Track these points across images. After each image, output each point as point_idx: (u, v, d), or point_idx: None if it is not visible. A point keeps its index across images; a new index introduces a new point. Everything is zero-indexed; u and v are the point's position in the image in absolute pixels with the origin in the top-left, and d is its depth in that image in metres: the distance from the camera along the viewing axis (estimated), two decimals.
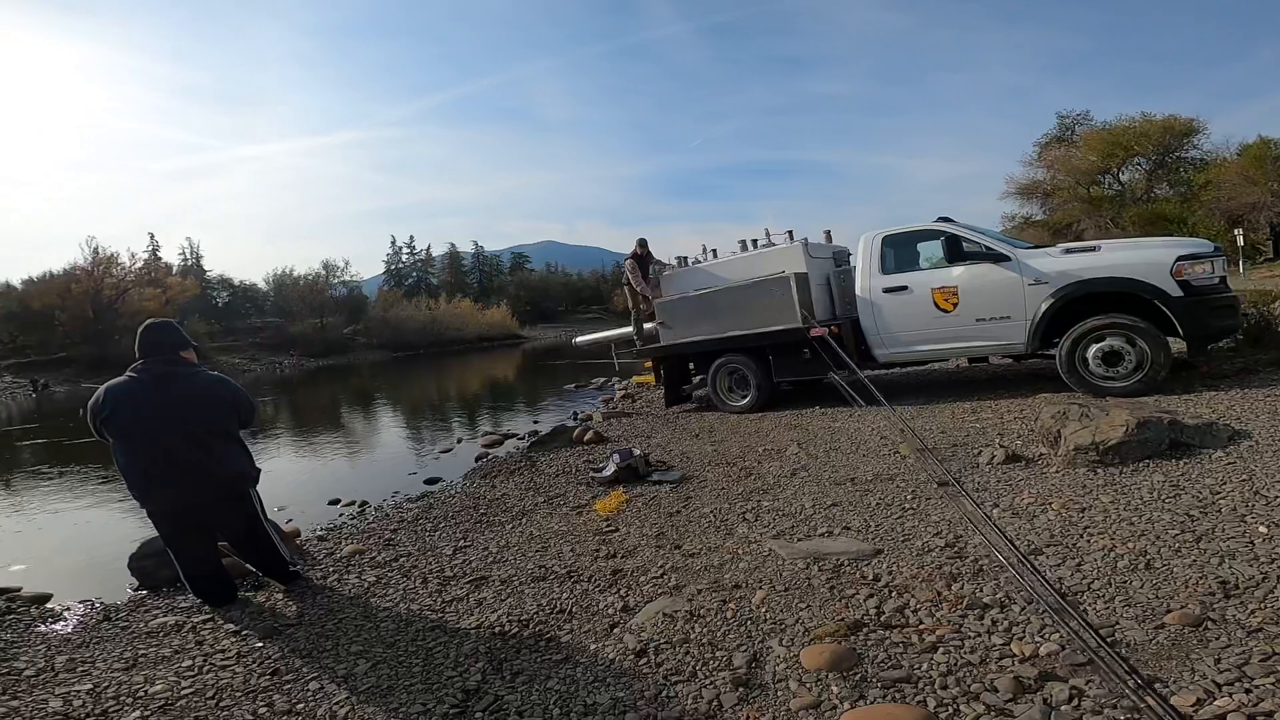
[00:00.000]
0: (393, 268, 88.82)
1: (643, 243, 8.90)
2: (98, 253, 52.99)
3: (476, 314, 71.02)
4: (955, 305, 6.24)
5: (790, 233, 7.70)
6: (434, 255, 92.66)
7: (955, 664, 1.91)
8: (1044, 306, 5.74)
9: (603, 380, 14.08)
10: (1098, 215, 31.25)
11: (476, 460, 7.21)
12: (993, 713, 1.66)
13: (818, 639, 2.14)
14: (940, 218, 6.81)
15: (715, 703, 1.91)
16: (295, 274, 66.89)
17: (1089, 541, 2.65)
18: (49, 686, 2.57)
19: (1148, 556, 2.44)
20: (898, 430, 5.35)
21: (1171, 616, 1.99)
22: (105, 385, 3.15)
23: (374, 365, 43.39)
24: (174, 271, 63.41)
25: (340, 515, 5.38)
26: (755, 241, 8.02)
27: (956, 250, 6.07)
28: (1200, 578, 2.22)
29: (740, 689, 1.95)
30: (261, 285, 69.71)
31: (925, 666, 1.92)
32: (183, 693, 2.41)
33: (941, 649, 2.00)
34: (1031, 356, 6.22)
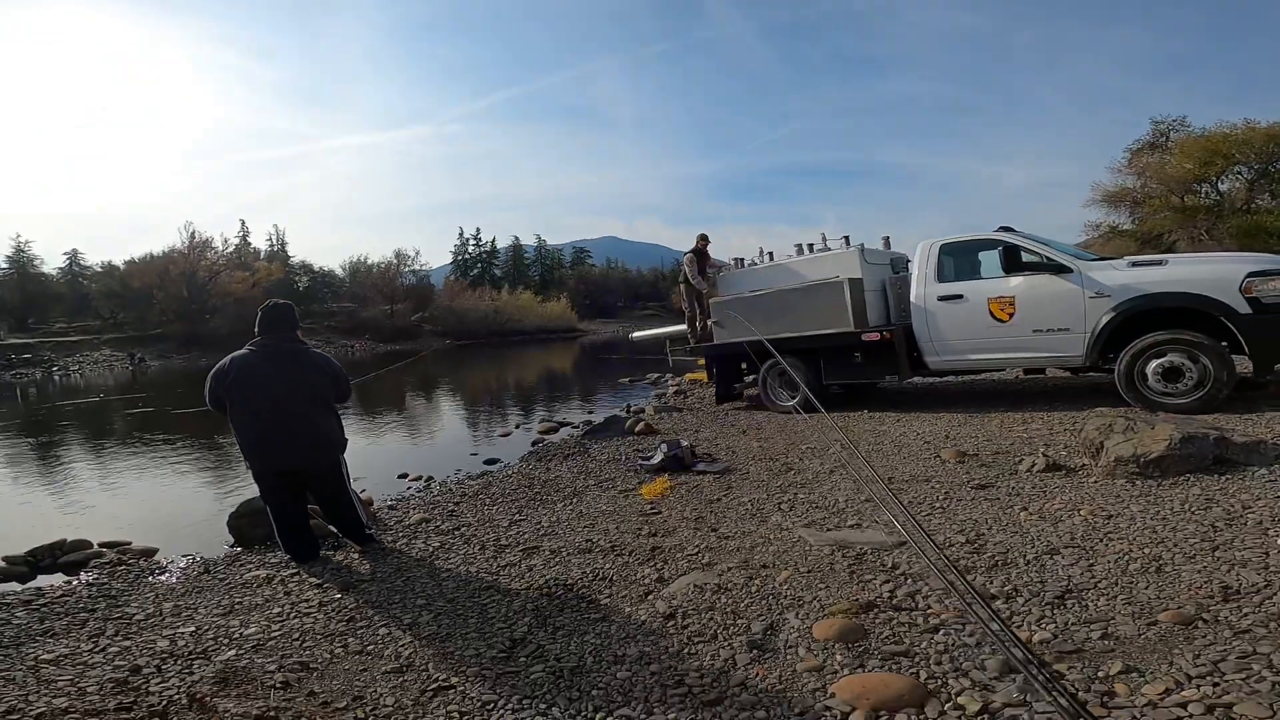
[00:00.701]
0: (459, 258, 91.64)
1: (703, 238, 9.04)
2: (194, 237, 56.95)
3: (537, 306, 72.63)
4: (1012, 315, 6.22)
5: (847, 238, 7.77)
6: (499, 247, 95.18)
7: (952, 644, 2.09)
8: (1105, 320, 5.67)
9: (657, 376, 14.36)
10: (1191, 226, 29.33)
11: (533, 444, 7.63)
12: (977, 687, 1.85)
13: (831, 614, 2.36)
14: (1001, 227, 6.76)
15: (730, 661, 2.16)
16: (369, 261, 70.08)
17: (1106, 545, 2.76)
18: (157, 629, 2.95)
19: (1160, 561, 2.54)
20: (942, 435, 5.43)
21: (1165, 614, 2.11)
22: (230, 356, 3.63)
23: (437, 351, 45.08)
24: (261, 256, 67.46)
25: (409, 488, 5.87)
26: (811, 246, 8.13)
27: (1014, 260, 6.05)
28: (1205, 582, 2.32)
29: (754, 651, 2.20)
30: (338, 271, 73.35)
31: (924, 644, 2.11)
32: (272, 635, 2.79)
33: (943, 631, 2.18)
34: (1090, 370, 6.12)
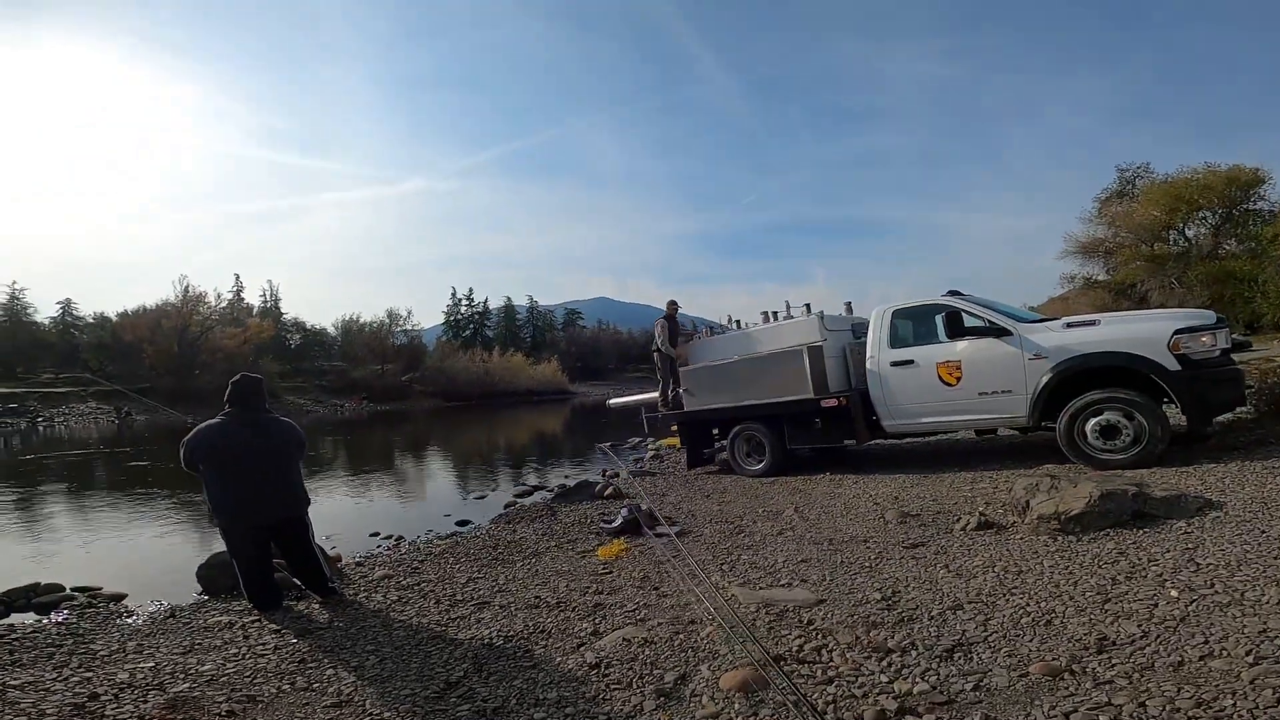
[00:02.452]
0: (452, 319, 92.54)
1: (673, 304, 9.42)
2: (188, 291, 57.45)
3: (528, 368, 72.90)
4: (959, 379, 6.53)
5: (807, 305, 8.17)
6: (491, 308, 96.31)
7: (840, 694, 2.28)
8: (1044, 380, 5.96)
9: (638, 440, 14.55)
10: (1161, 274, 29.60)
11: (505, 507, 7.76)
12: None
13: (739, 666, 2.55)
14: (950, 291, 7.17)
15: (638, 707, 2.34)
16: (361, 320, 70.72)
17: (1007, 600, 2.97)
18: (119, 663, 3.18)
19: (1051, 614, 2.76)
20: (892, 496, 5.65)
21: (1036, 666, 2.31)
22: (204, 425, 3.92)
23: (427, 412, 45.01)
24: (254, 312, 67.94)
25: (378, 546, 6.01)
26: (776, 314, 8.53)
27: (957, 325, 6.39)
28: (1086, 634, 2.53)
29: (660, 698, 2.38)
30: (330, 330, 73.84)
31: (816, 694, 2.30)
32: (226, 671, 2.99)
33: (835, 682, 2.37)
34: (1035, 429, 6.39)
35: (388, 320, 70.15)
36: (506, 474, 12.19)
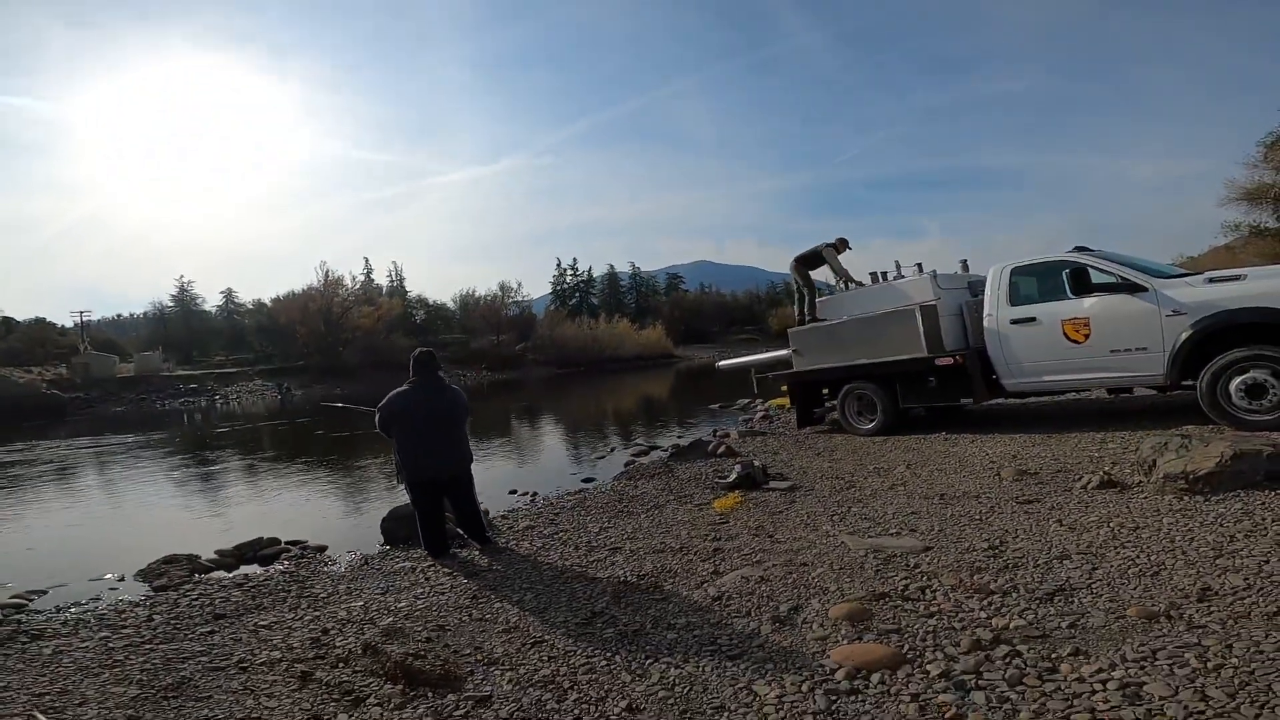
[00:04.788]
0: (558, 288, 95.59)
1: (843, 241, 8.99)
2: (328, 275, 63.25)
3: (633, 333, 74.26)
4: (1087, 336, 6.28)
5: (919, 265, 8.04)
6: (594, 276, 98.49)
7: (939, 627, 2.54)
8: (1183, 337, 5.65)
9: (745, 402, 14.78)
10: None
11: (625, 465, 8.35)
12: (944, 658, 2.30)
13: (846, 600, 2.86)
14: (1077, 247, 6.84)
15: (757, 630, 2.72)
16: (477, 294, 74.82)
17: (1117, 552, 3.06)
18: (337, 603, 3.86)
19: (1160, 566, 2.84)
20: (1010, 455, 5.62)
21: (1133, 610, 2.45)
22: (394, 393, 4.62)
23: (540, 380, 47.26)
24: (383, 292, 73.74)
25: (517, 502, 6.75)
26: (885, 274, 8.44)
27: (1083, 282, 6.13)
28: (1191, 584, 2.61)
29: (776, 624, 2.75)
30: (450, 304, 78.76)
31: (917, 626, 2.57)
32: (417, 607, 3.62)
33: (936, 617, 2.63)
34: (1174, 388, 6.06)
35: (500, 293, 73.73)
36: (621, 436, 12.89)
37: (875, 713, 2.04)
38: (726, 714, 2.13)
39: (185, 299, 75.65)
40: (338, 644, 3.17)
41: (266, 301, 69.14)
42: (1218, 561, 2.81)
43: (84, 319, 63.67)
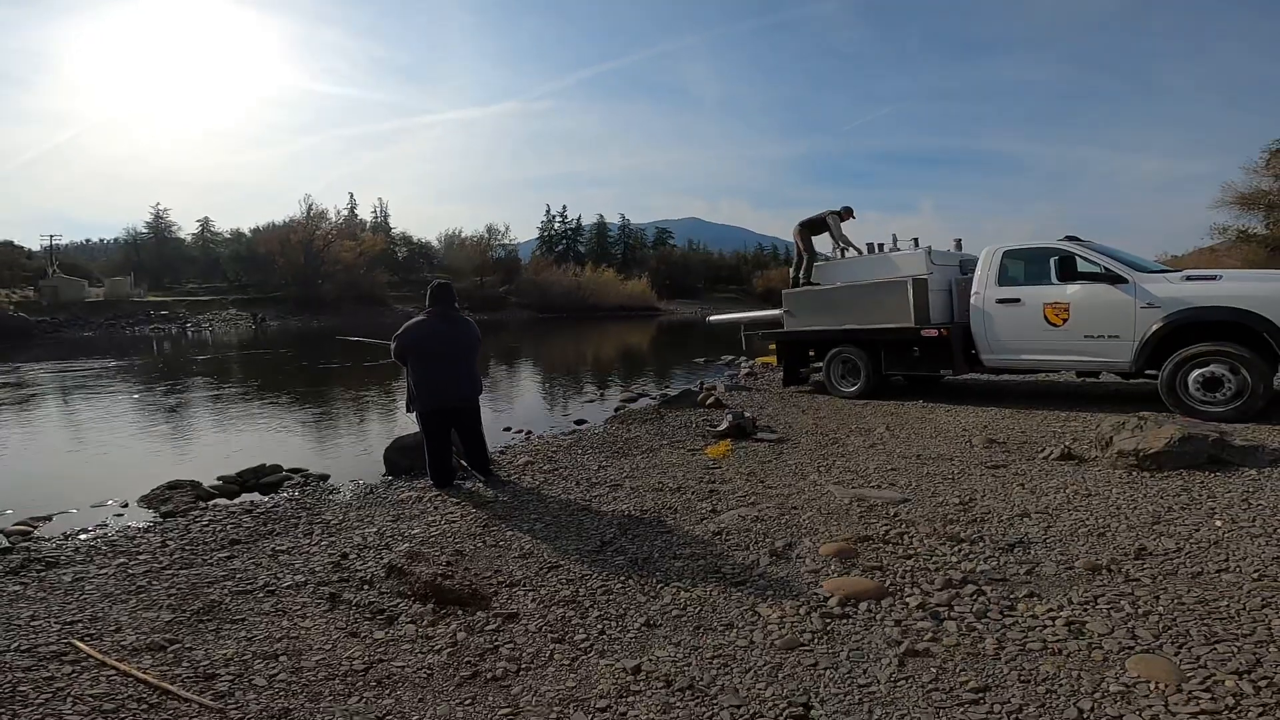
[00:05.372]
0: (545, 234, 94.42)
1: (848, 210, 9.22)
2: (311, 208, 61.78)
3: (618, 284, 74.09)
4: (1065, 320, 6.65)
5: (915, 240, 8.32)
6: (583, 225, 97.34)
7: (915, 569, 2.89)
8: (1153, 328, 6.04)
9: (731, 358, 15.14)
10: None
11: (615, 410, 8.67)
12: (920, 592, 2.66)
13: (835, 540, 3.21)
14: (1067, 236, 7.16)
15: (756, 562, 3.07)
16: (463, 235, 73.70)
17: (1070, 514, 3.45)
18: (350, 530, 4.01)
19: (1105, 529, 3.23)
20: (981, 425, 6.02)
21: (1080, 563, 2.83)
22: (411, 322, 4.79)
23: (522, 323, 47.23)
24: (366, 228, 72.22)
25: (513, 439, 7.03)
26: (881, 245, 8.71)
27: (1070, 269, 6.47)
28: (1130, 545, 3.00)
29: (773, 557, 3.10)
30: (435, 243, 77.53)
31: (897, 565, 2.93)
32: (432, 534, 3.84)
33: (913, 559, 2.99)
34: (1138, 376, 6.49)
35: (487, 235, 72.72)
36: (609, 382, 13.21)
37: (864, 634, 2.38)
38: (735, 630, 2.47)
39: (160, 226, 73.24)
40: (359, 568, 3.33)
41: (246, 231, 67.46)
42: (1154, 528, 3.21)
43: (53, 242, 61.56)
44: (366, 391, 12.11)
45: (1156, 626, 2.29)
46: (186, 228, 75.84)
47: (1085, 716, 1.83)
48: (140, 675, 2.21)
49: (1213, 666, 2.01)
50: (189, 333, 41.75)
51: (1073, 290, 6.58)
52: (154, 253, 70.38)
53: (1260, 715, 1.78)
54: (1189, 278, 6.20)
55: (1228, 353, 5.62)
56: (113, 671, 2.27)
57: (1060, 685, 1.98)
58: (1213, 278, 6.10)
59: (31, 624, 2.72)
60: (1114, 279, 6.36)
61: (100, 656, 2.36)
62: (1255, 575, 2.62)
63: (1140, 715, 1.82)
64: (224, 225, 78.02)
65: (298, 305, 54.96)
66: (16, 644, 2.52)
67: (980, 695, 1.96)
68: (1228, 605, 2.39)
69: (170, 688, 2.14)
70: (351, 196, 77.26)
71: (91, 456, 7.42)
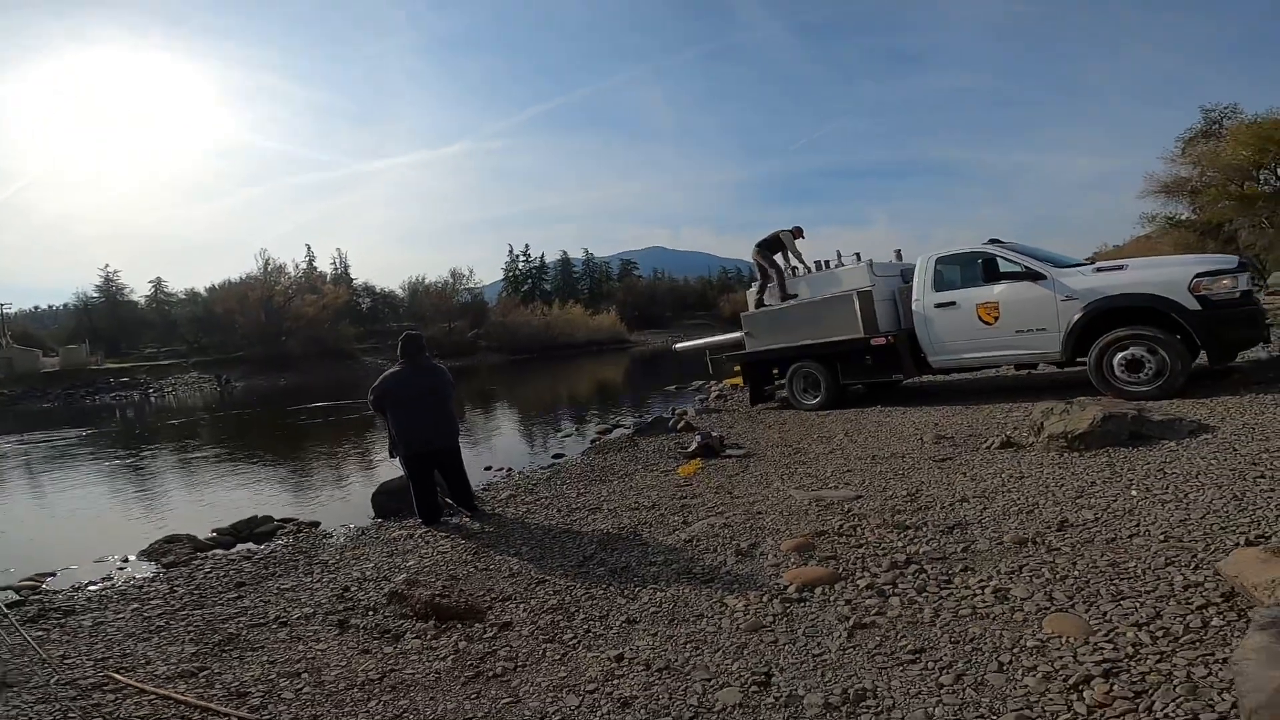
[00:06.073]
0: (510, 274, 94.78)
1: (799, 230, 9.67)
2: (269, 263, 61.21)
3: (587, 319, 74.57)
4: (997, 319, 7.18)
5: (857, 254, 8.84)
6: (548, 262, 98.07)
7: (865, 555, 3.22)
8: (1075, 319, 6.57)
9: (700, 383, 15.53)
10: (1252, 214, 28.82)
11: (591, 442, 8.95)
12: (869, 575, 2.98)
13: (794, 537, 3.54)
14: (990, 240, 7.73)
15: (724, 561, 3.38)
16: (427, 281, 73.67)
17: (1004, 496, 3.83)
18: (347, 567, 4.27)
19: (1034, 506, 3.61)
20: (932, 423, 6.45)
21: (1009, 538, 3.19)
22: (387, 374, 5.09)
23: (493, 366, 47.23)
24: (327, 279, 71.69)
25: (494, 476, 7.26)
26: (828, 263, 9.23)
27: (993, 270, 7.02)
28: (1054, 518, 3.37)
29: (739, 556, 3.41)
30: (398, 292, 77.29)
31: (847, 553, 3.26)
32: (425, 564, 4.11)
33: (864, 547, 3.32)
34: (1069, 364, 7.01)
35: (451, 280, 72.82)
36: (583, 416, 13.46)
37: (819, 614, 2.69)
38: (705, 619, 2.77)
39: (111, 289, 71.70)
40: (361, 597, 3.62)
41: (202, 291, 66.54)
42: (1077, 501, 3.60)
43: (3, 312, 59.91)
44: (343, 444, 12.18)
45: (1071, 589, 2.60)
46: (139, 289, 74.13)
47: (1005, 668, 2.13)
48: (179, 697, 2.42)
49: (1117, 620, 2.30)
50: (152, 399, 40.79)
51: (999, 290, 7.11)
52: (108, 316, 68.63)
53: (1157, 661, 2.03)
54: (1099, 269, 6.77)
55: (1144, 335, 6.14)
56: (153, 696, 2.48)
57: (985, 644, 2.29)
58: (1120, 267, 6.67)
59: (65, 661, 2.99)
60: (1034, 276, 6.90)
61: (139, 684, 2.57)
62: (1162, 538, 2.95)
63: (1051, 665, 2.10)
64: (176, 284, 76.44)
65: (262, 364, 54.06)
66: (56, 678, 2.75)
67: (917, 656, 2.27)
68: (1135, 565, 2.72)
69: (211, 705, 2.36)
70: (309, 248, 76.45)
71: (83, 518, 7.66)
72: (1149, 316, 6.24)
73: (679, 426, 8.34)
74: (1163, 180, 33.03)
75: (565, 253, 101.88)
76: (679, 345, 13.12)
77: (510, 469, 7.56)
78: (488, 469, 7.78)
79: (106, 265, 73.50)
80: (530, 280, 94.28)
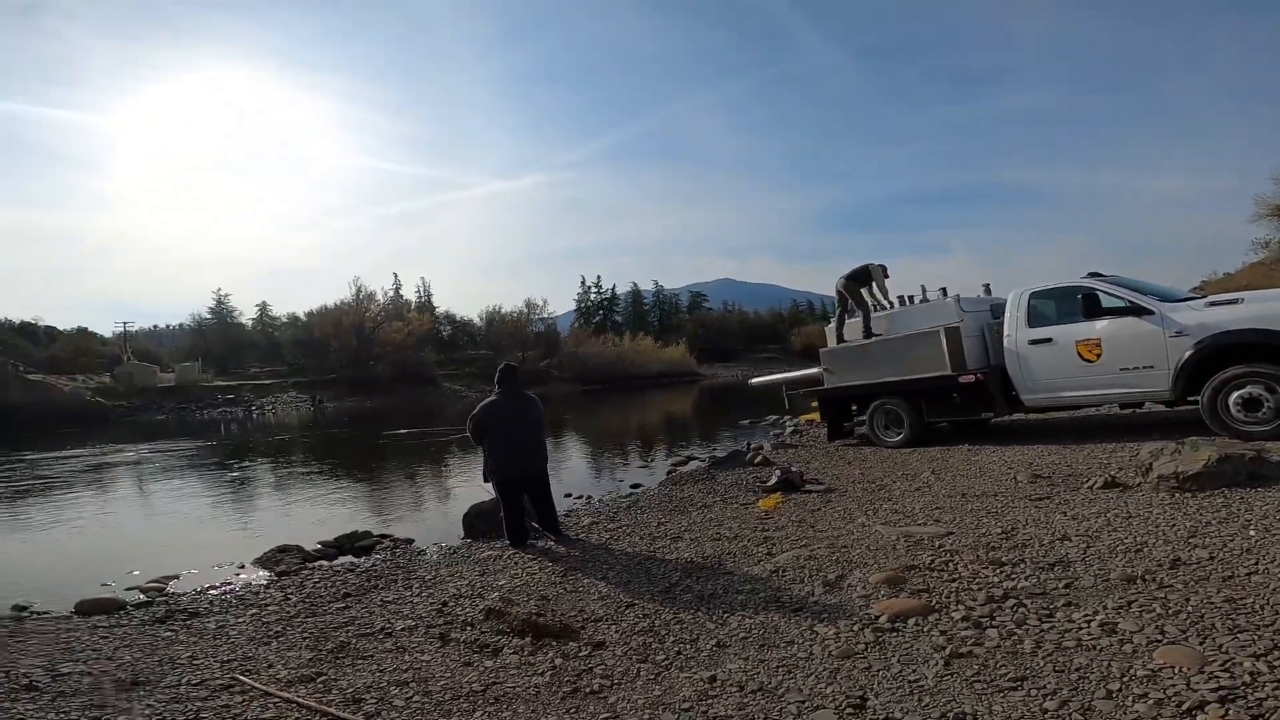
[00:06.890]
0: (582, 305, 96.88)
1: (883, 268, 9.49)
2: (360, 291, 65.05)
3: (657, 351, 74.96)
4: (1099, 356, 6.86)
5: (944, 289, 8.66)
6: (618, 294, 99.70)
7: (960, 588, 3.17)
8: (1185, 356, 6.22)
9: (775, 418, 15.38)
10: None
11: (667, 473, 9.03)
12: (964, 607, 2.94)
13: (883, 570, 3.51)
14: (1091, 273, 7.43)
15: (811, 591, 3.39)
16: (503, 310, 76.29)
17: (1110, 535, 3.67)
18: (443, 583, 4.47)
19: (1143, 545, 3.44)
20: (1026, 462, 6.20)
21: (1116, 574, 3.07)
22: (485, 403, 5.41)
23: (566, 396, 48.14)
24: (412, 307, 75.46)
25: (575, 504, 7.46)
26: (912, 298, 9.08)
27: (1094, 305, 6.75)
28: (1166, 556, 3.22)
29: (826, 587, 3.41)
30: (476, 320, 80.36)
31: (940, 586, 3.21)
32: (516, 584, 4.28)
33: (957, 581, 3.27)
34: (1179, 403, 6.60)
35: (526, 309, 75.11)
36: (657, 448, 13.59)
37: (913, 643, 2.68)
38: (796, 645, 2.80)
39: (222, 311, 78.11)
40: (459, 612, 3.79)
41: (301, 315, 71.29)
42: (1190, 540, 3.42)
43: (126, 329, 66.14)
44: (432, 466, 12.78)
45: (1184, 623, 2.52)
46: (246, 312, 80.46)
47: (1113, 695, 2.10)
48: (302, 701, 2.65)
49: (1233, 652, 2.24)
50: (254, 415, 43.77)
51: (1101, 326, 6.81)
52: (218, 337, 74.63)
53: (1275, 689, 2.00)
54: (1212, 303, 6.41)
55: (1262, 373, 5.76)
56: (278, 699, 2.72)
57: (1092, 673, 2.25)
58: (1235, 301, 6.30)
59: (194, 663, 3.26)
60: (1139, 311, 6.59)
61: (263, 687, 2.82)
62: None
63: (1164, 692, 2.07)
64: (279, 307, 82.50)
65: (352, 386, 57.12)
66: (186, 679, 3.02)
67: (1019, 683, 2.25)
68: (1253, 602, 2.60)
69: (330, 710, 2.57)
70: (396, 277, 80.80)
71: (201, 525, 8.45)
72: (1267, 353, 5.86)
73: (756, 460, 8.31)
74: (1273, 203, 30.63)
75: (635, 284, 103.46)
76: (754, 380, 13.10)
77: (590, 496, 7.75)
78: (567, 496, 8.00)
79: (219, 289, 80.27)
80: (602, 311, 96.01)
